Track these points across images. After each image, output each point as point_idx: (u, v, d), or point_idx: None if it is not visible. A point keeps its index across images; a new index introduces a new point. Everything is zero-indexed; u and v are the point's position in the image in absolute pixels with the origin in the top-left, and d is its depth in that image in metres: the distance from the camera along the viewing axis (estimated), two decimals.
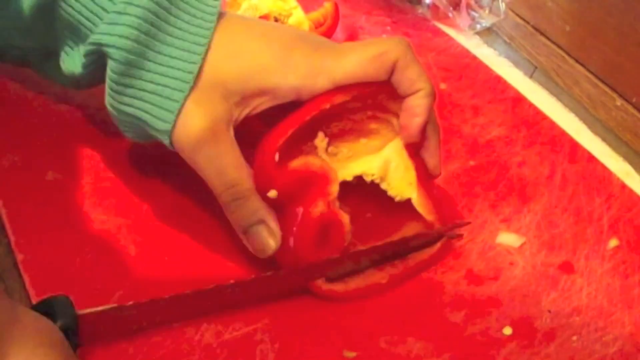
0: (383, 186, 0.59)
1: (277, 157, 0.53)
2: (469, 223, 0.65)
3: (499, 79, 0.85)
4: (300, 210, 0.55)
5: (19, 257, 0.56)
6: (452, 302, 0.59)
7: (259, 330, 0.54)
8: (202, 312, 0.54)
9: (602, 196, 0.71)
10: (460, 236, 0.64)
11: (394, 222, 0.62)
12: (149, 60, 0.51)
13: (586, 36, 0.80)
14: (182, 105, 0.51)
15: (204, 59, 0.52)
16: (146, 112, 0.52)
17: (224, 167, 0.53)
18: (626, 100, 0.77)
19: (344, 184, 0.58)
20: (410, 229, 0.61)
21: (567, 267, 0.63)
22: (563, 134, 0.78)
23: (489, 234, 0.65)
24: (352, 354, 0.54)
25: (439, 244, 0.62)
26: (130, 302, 0.51)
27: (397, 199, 0.59)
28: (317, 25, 0.82)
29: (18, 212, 0.59)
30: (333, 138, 0.58)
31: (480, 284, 0.61)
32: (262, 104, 0.54)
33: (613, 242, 0.66)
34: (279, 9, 0.80)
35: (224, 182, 0.53)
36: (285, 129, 0.54)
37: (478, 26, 0.92)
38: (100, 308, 0.49)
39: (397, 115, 0.58)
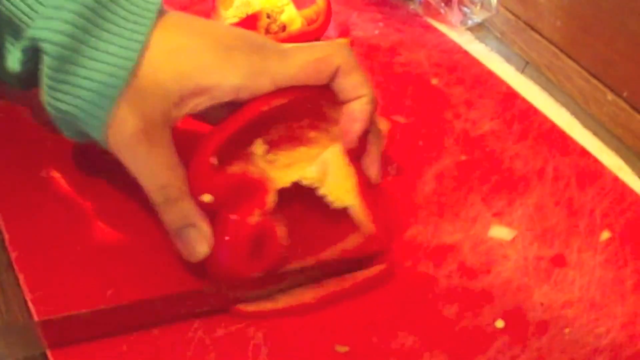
0: (321, 192, 0.58)
1: (214, 160, 0.53)
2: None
3: (490, 74, 0.85)
4: (234, 218, 0.54)
5: (13, 254, 0.56)
6: (444, 295, 0.59)
7: (251, 326, 0.55)
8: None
9: (594, 189, 0.71)
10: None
11: (336, 233, 0.60)
12: (84, 56, 0.50)
13: (577, 32, 0.80)
14: (116, 104, 0.50)
15: (141, 57, 0.51)
16: (80, 109, 0.51)
17: (156, 168, 0.52)
18: (617, 94, 0.77)
19: (286, 194, 0.57)
20: (352, 241, 0.60)
21: (559, 260, 0.64)
22: (555, 128, 0.78)
23: (481, 227, 0.66)
24: (344, 349, 0.54)
25: (377, 268, 0.60)
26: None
27: (335, 204, 0.58)
28: (309, 22, 0.83)
29: (12, 210, 0.59)
30: (272, 145, 0.58)
31: (473, 278, 0.61)
32: (201, 103, 0.53)
33: (605, 235, 0.67)
34: (272, 5, 0.80)
35: (155, 183, 0.52)
36: (222, 132, 0.54)
37: (470, 22, 0.92)
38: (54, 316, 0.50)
39: (336, 124, 0.58)
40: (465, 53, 0.88)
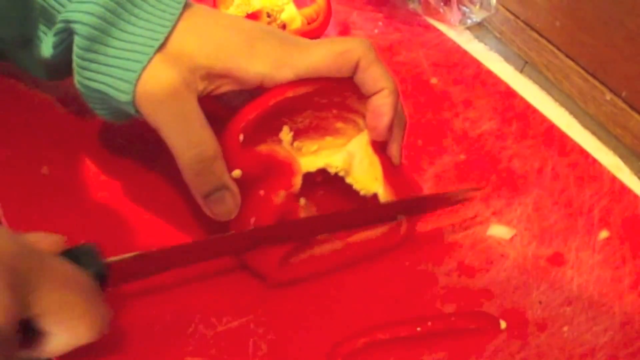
0: (348, 180, 0.60)
1: (241, 137, 0.54)
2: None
3: (489, 74, 0.85)
4: (262, 193, 0.56)
5: None
6: (444, 294, 0.60)
7: (251, 321, 0.55)
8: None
9: (593, 189, 0.72)
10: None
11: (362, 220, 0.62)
12: (113, 37, 0.52)
13: (576, 31, 0.81)
14: (146, 66, 0.52)
15: (169, 36, 0.53)
16: (110, 76, 0.53)
17: (190, 124, 0.53)
18: (616, 94, 0.78)
19: (312, 182, 0.59)
20: (378, 228, 0.62)
21: (557, 259, 0.64)
22: (553, 127, 0.79)
23: (480, 226, 0.66)
24: (345, 346, 0.54)
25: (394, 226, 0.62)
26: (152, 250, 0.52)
27: (362, 192, 0.60)
28: (309, 21, 0.83)
29: (13, 207, 0.59)
30: (298, 133, 0.59)
31: (472, 276, 0.61)
32: (225, 85, 0.55)
33: (603, 234, 0.67)
34: (272, 4, 0.80)
35: (189, 141, 0.53)
36: (250, 112, 0.55)
37: (469, 21, 0.93)
38: (125, 256, 0.51)
39: (363, 116, 0.59)
40: (464, 52, 0.89)
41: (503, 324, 0.57)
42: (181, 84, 0.52)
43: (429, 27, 0.93)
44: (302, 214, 0.58)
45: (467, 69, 0.86)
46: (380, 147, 0.60)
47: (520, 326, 0.58)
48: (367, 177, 0.60)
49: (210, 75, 0.54)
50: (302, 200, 0.60)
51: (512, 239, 0.65)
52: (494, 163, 0.73)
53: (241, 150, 0.54)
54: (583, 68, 0.80)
